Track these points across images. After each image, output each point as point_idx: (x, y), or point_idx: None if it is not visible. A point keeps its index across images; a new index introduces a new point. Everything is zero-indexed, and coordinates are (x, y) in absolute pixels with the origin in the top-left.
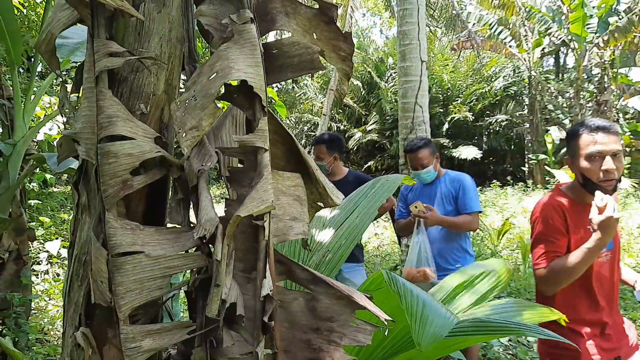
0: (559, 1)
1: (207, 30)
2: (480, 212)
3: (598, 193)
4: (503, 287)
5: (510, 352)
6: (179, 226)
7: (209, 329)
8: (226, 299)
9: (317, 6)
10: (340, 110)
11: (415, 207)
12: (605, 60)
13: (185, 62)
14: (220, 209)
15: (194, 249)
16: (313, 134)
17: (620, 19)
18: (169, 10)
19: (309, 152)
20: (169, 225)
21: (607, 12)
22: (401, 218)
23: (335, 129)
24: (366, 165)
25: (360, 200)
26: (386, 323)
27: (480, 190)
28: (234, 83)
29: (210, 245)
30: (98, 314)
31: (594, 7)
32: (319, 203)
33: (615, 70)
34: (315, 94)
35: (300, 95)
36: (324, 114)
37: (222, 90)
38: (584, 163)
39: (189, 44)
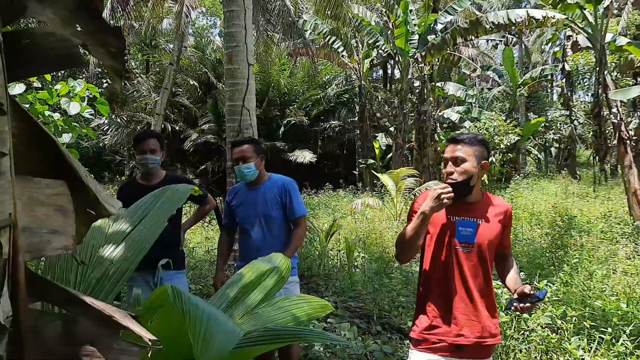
0: (386, 17)
1: None
2: (305, 215)
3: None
4: (284, 280)
5: (330, 350)
6: None
7: None
8: None
9: None
10: (176, 110)
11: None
12: (424, 74)
13: None
14: None
15: None
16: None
17: (436, 37)
18: None
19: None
20: None
21: (426, 30)
22: (228, 224)
23: (170, 129)
24: (202, 167)
25: (148, 211)
26: (150, 343)
27: (315, 193)
28: None
29: None
30: None
31: (415, 25)
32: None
33: (433, 83)
34: (149, 92)
35: (132, 92)
36: (157, 113)
37: None
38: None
39: None
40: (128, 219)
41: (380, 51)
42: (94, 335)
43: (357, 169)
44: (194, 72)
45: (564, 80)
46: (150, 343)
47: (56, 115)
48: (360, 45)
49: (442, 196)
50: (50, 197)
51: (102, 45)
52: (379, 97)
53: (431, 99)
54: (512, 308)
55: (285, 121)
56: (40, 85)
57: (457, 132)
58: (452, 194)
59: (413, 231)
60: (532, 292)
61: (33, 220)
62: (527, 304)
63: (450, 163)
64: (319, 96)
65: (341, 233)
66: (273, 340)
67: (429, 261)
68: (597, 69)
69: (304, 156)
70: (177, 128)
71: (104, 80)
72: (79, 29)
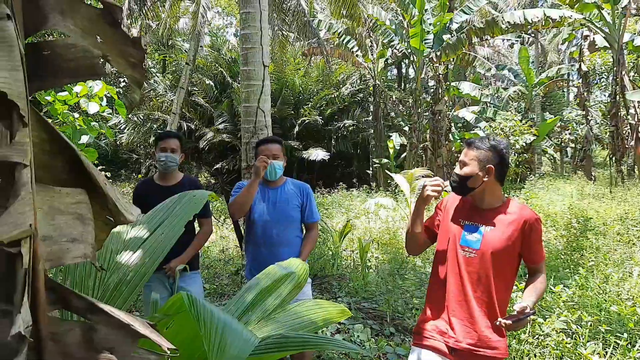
0: (401, 16)
1: None
2: (319, 220)
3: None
4: (302, 287)
5: (344, 352)
6: None
7: None
8: None
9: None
10: (192, 109)
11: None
12: (439, 74)
13: None
14: None
15: None
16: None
17: (452, 37)
18: None
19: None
20: None
21: (441, 30)
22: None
23: (186, 127)
24: (217, 166)
25: (166, 216)
26: (168, 352)
27: (328, 192)
28: None
29: None
30: None
31: (430, 24)
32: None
33: (448, 83)
34: (166, 91)
35: (149, 91)
36: (173, 112)
37: None
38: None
39: None
40: (146, 225)
41: (394, 50)
42: (112, 342)
43: (370, 169)
44: (209, 71)
45: (580, 80)
46: (167, 351)
47: (75, 115)
48: (374, 45)
49: (427, 187)
50: (70, 205)
51: (122, 55)
52: (393, 97)
53: (446, 98)
54: (497, 323)
55: (300, 120)
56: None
57: (474, 137)
58: (439, 187)
59: (410, 221)
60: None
61: (53, 228)
62: (509, 321)
63: (458, 165)
64: (333, 95)
65: (354, 233)
66: (287, 347)
67: (435, 261)
68: (615, 69)
69: (317, 154)
70: (192, 127)
71: (122, 80)
72: (99, 39)
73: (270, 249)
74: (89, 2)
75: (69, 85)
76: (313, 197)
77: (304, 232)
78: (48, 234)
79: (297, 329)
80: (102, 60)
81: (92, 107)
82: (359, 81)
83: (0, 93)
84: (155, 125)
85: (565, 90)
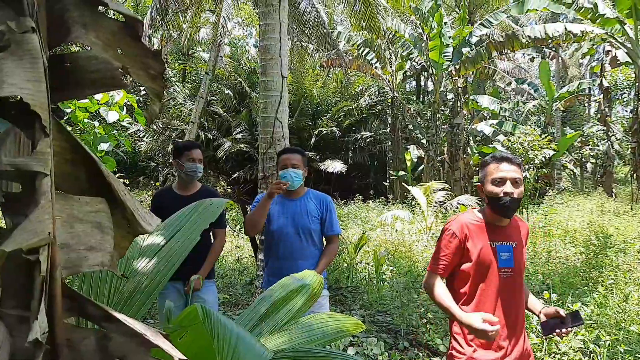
0: (420, 29)
1: None
2: (340, 234)
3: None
4: (316, 299)
5: None
6: None
7: None
8: None
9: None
10: (210, 119)
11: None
12: (458, 87)
13: None
14: None
15: None
16: (180, 141)
17: (471, 50)
18: None
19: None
20: None
21: (460, 43)
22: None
23: (204, 137)
24: (234, 175)
25: (182, 225)
26: None
27: (345, 203)
28: (10, 98)
29: None
30: None
31: (450, 37)
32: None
33: (467, 96)
34: (185, 100)
35: (168, 100)
36: (192, 121)
37: None
38: (490, 186)
39: None
40: (162, 233)
41: (413, 63)
42: (126, 351)
43: (387, 181)
44: (228, 81)
45: (601, 96)
46: None
47: (95, 124)
48: (393, 57)
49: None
50: (89, 214)
51: (142, 68)
52: (411, 109)
53: (464, 111)
54: (555, 334)
55: (317, 131)
56: None
57: (493, 151)
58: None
59: (446, 312)
60: (567, 315)
61: (71, 236)
62: (569, 329)
63: (509, 182)
64: (351, 107)
65: (370, 245)
66: None
67: (471, 287)
68: (637, 84)
69: (335, 166)
70: (210, 136)
71: (142, 89)
72: (120, 52)
73: (289, 261)
74: (110, 15)
75: (88, 96)
76: (334, 209)
77: (324, 244)
78: (66, 241)
79: (308, 342)
80: (122, 72)
81: (112, 116)
82: (377, 93)
83: (23, 104)
84: (174, 134)
85: (586, 105)
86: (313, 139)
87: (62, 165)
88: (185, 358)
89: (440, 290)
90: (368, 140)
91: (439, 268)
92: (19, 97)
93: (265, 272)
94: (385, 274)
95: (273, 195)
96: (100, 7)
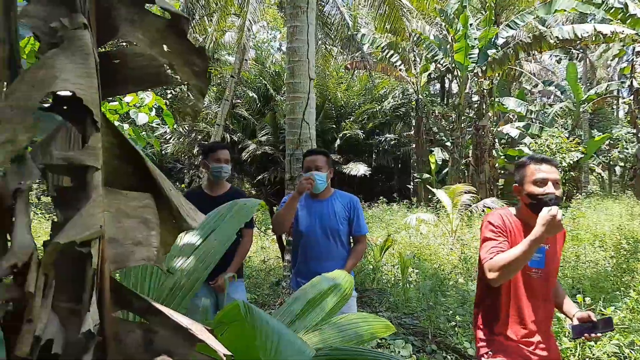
0: (445, 31)
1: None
2: (367, 234)
3: (545, 208)
4: (347, 299)
5: None
6: None
7: None
8: (41, 335)
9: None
10: (235, 121)
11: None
12: (484, 89)
13: (4, 66)
14: None
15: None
16: (205, 143)
17: (497, 51)
18: None
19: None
20: None
21: (486, 45)
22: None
23: (229, 139)
24: (259, 177)
25: (217, 224)
26: (224, 358)
27: (369, 206)
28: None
29: None
30: None
31: (475, 39)
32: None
33: (492, 98)
34: (210, 102)
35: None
36: (217, 124)
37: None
38: (531, 187)
39: (10, 46)
40: (198, 232)
41: (438, 65)
42: (171, 345)
43: (411, 183)
44: (253, 84)
45: (631, 97)
46: (224, 357)
47: (125, 126)
48: (418, 59)
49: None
50: (136, 209)
51: (187, 64)
52: (436, 111)
53: (490, 114)
54: (584, 337)
55: (341, 134)
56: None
57: (519, 153)
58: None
59: (524, 255)
60: (598, 320)
61: (119, 231)
62: (599, 334)
63: (550, 183)
64: (375, 109)
65: (395, 248)
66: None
67: (502, 289)
68: None
69: (358, 169)
70: (235, 139)
71: (169, 91)
72: (165, 49)
73: (317, 262)
74: (157, 12)
75: (120, 97)
76: (361, 210)
77: (352, 245)
78: (114, 236)
79: (343, 342)
80: (167, 68)
81: (142, 118)
82: (401, 95)
83: (76, 99)
84: (199, 137)
85: (614, 107)
86: (337, 142)
87: (110, 160)
88: (229, 353)
89: (500, 254)
90: (392, 142)
91: (496, 252)
92: (71, 92)
93: (293, 273)
94: (411, 277)
95: (303, 191)
96: (146, 5)
